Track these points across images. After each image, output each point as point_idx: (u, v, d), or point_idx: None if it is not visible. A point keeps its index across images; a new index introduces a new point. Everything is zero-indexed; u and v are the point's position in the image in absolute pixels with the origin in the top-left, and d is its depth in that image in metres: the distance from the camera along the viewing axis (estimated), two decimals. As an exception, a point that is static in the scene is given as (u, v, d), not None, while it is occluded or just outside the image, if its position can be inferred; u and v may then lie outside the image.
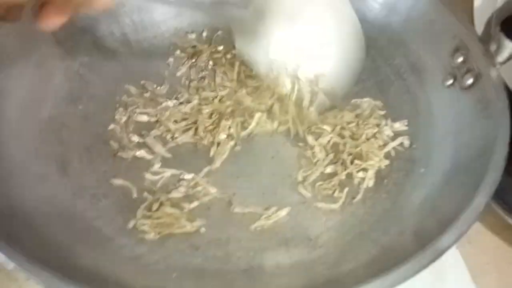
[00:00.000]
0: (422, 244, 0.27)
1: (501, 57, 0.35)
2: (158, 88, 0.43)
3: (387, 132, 0.39)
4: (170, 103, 0.41)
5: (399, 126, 0.39)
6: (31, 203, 0.31)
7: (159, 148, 0.38)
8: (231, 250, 0.32)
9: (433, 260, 0.26)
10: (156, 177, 0.36)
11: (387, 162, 0.37)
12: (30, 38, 0.39)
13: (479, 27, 0.41)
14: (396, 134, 0.39)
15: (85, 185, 0.35)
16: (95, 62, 0.43)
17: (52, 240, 0.29)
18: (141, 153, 0.38)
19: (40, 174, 0.34)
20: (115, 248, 0.31)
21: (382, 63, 0.44)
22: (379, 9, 0.45)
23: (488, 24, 0.38)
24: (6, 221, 0.28)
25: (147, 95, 0.42)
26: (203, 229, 0.33)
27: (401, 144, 0.38)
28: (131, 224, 0.33)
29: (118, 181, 0.36)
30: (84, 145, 0.38)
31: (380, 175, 0.37)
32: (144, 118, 0.40)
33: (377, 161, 0.36)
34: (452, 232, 0.27)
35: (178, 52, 0.45)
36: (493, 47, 0.36)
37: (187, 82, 0.43)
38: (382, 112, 0.40)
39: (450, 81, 0.39)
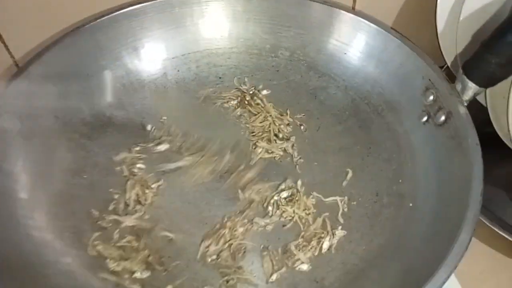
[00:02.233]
0: (417, 281, 0.30)
1: (466, 96, 0.39)
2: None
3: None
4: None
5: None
6: (55, 280, 0.33)
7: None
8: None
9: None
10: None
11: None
12: (30, 118, 0.41)
13: (445, 53, 0.45)
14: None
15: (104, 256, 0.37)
16: (93, 131, 0.45)
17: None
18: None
19: (59, 250, 0.36)
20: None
21: (360, 102, 0.48)
22: (354, 52, 0.49)
23: (453, 63, 0.42)
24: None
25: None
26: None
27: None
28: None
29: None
30: (94, 214, 0.40)
31: (373, 211, 0.40)
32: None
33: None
34: (445, 268, 0.30)
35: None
36: (458, 87, 0.40)
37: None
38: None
39: (425, 118, 0.42)
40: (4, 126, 0.40)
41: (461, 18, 0.42)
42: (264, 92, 0.49)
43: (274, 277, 0.36)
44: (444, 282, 0.29)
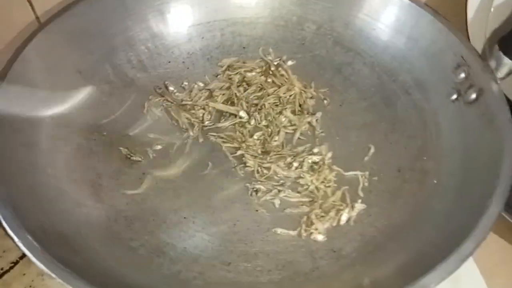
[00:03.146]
0: (443, 254, 0.29)
1: (500, 73, 0.38)
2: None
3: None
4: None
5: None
6: (72, 227, 0.33)
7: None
8: (261, 264, 0.34)
9: (456, 267, 0.28)
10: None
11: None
12: (53, 69, 0.41)
13: (473, 41, 0.44)
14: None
15: (118, 209, 0.37)
16: (115, 89, 0.45)
17: (97, 263, 0.30)
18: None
19: (76, 199, 0.36)
20: (153, 267, 0.33)
21: (387, 80, 0.47)
22: (383, 28, 0.48)
23: (487, 42, 0.41)
24: (56, 245, 0.29)
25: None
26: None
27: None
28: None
29: (147, 205, 0.38)
30: (112, 170, 0.40)
31: (394, 187, 0.39)
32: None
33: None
34: (470, 242, 0.29)
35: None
36: (492, 64, 0.39)
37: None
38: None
39: (454, 96, 0.41)
40: (28, 77, 0.40)
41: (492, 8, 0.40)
42: (289, 63, 0.48)
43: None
44: (470, 254, 0.28)
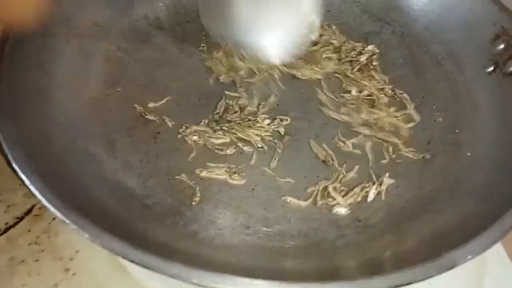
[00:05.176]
0: (478, 228, 0.27)
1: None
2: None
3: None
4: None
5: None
6: (88, 180, 0.31)
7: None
8: (282, 229, 0.32)
9: (497, 239, 0.26)
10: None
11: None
12: (69, 21, 0.39)
13: None
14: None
15: (132, 165, 0.35)
16: (131, 46, 0.43)
17: (113, 213, 0.29)
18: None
19: (90, 153, 0.34)
20: (169, 224, 0.31)
21: (417, 50, 0.45)
22: (416, -3, 0.45)
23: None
24: (71, 194, 0.27)
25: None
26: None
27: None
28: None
29: (161, 163, 0.36)
30: (125, 126, 0.37)
31: (423, 159, 0.37)
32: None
33: None
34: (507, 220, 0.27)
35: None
36: (537, 33, 0.36)
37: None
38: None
39: (491, 68, 0.39)
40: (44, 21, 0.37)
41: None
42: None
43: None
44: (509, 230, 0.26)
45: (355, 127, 0.39)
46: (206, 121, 0.39)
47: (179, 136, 0.37)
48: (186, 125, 0.38)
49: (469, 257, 0.25)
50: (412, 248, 0.29)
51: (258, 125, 0.38)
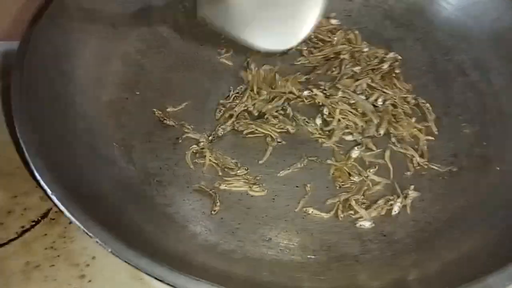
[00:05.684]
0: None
1: None
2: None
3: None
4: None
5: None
6: (106, 186, 0.30)
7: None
8: (303, 243, 0.32)
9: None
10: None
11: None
12: (88, 23, 0.38)
13: None
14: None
15: (150, 172, 0.34)
16: (149, 49, 0.42)
17: (133, 224, 0.28)
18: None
19: (108, 157, 0.33)
20: (189, 235, 0.30)
21: (441, 58, 0.44)
22: (440, 2, 0.44)
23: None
24: (91, 203, 0.27)
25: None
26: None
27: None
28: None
29: (180, 171, 0.35)
30: (144, 131, 0.37)
31: (450, 172, 0.36)
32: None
33: None
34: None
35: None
36: None
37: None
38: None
39: (520, 78, 0.38)
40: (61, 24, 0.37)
41: None
42: (333, 21, 0.46)
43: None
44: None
45: (377, 137, 0.38)
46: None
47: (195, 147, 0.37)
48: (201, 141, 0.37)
49: (507, 283, 0.24)
50: (439, 269, 0.28)
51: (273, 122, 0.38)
